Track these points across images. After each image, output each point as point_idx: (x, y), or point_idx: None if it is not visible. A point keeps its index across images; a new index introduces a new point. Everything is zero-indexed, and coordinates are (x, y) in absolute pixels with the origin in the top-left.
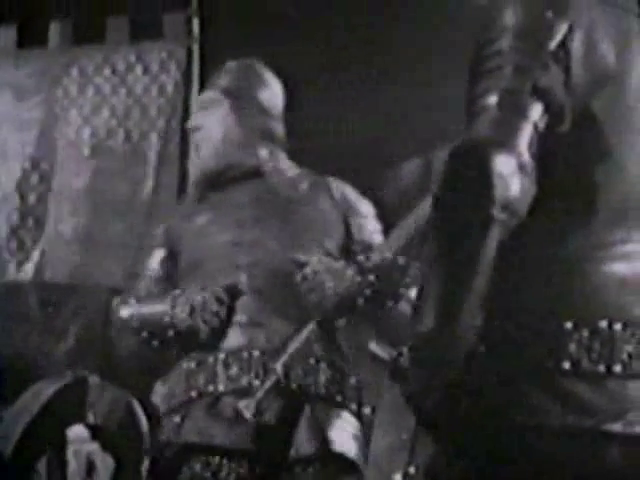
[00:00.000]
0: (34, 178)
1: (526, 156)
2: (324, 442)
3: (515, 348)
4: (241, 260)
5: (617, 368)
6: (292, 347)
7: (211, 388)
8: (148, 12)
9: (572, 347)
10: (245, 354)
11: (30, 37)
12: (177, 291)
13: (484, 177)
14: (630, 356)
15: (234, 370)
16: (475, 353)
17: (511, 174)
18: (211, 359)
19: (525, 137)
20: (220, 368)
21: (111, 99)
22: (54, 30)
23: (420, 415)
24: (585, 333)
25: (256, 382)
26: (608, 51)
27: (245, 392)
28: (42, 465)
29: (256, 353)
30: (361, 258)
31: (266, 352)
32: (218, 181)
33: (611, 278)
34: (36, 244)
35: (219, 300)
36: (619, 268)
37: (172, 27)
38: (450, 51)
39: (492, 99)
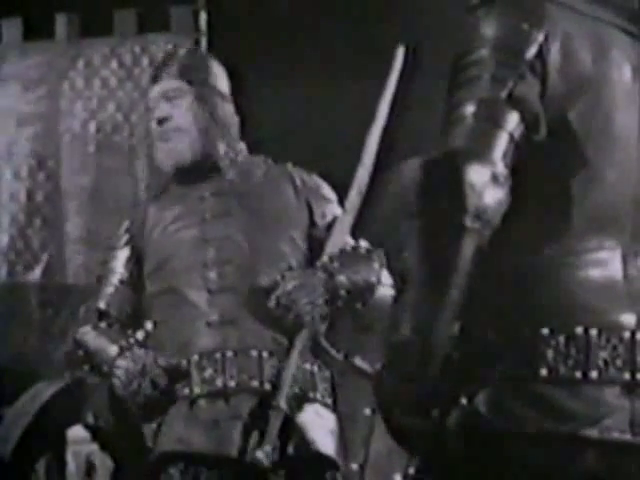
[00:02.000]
0: (41, 176)
1: (500, 166)
2: (305, 443)
3: (491, 355)
4: (210, 257)
5: (593, 374)
6: (288, 377)
7: (186, 391)
8: (155, 5)
9: (549, 353)
10: (218, 355)
11: (36, 29)
12: (125, 342)
13: (456, 187)
14: (606, 362)
15: (208, 372)
16: (451, 361)
17: (484, 184)
18: (184, 362)
19: (500, 147)
20: (194, 371)
21: (117, 92)
22: (60, 22)
23: (389, 425)
24: (561, 339)
25: (231, 383)
26: (585, 60)
27: (220, 393)
28: (41, 466)
29: (229, 354)
30: (325, 260)
31: (239, 352)
32: (186, 174)
33: (586, 284)
34: (44, 245)
35: (154, 385)
36: (594, 274)
37: (179, 20)
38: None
39: (468, 109)
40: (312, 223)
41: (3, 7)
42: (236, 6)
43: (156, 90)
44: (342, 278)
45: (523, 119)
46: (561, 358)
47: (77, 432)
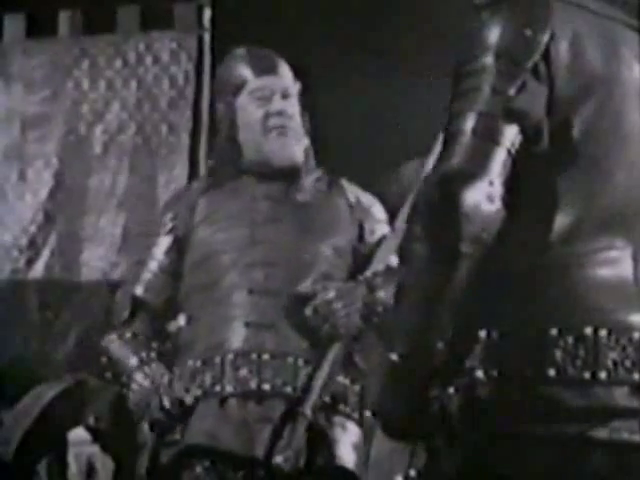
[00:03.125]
0: (46, 175)
1: (497, 184)
2: (330, 456)
3: (500, 356)
4: (257, 258)
5: (602, 375)
6: (317, 386)
7: (218, 388)
8: (159, 1)
9: (557, 354)
10: (254, 356)
11: (39, 26)
12: (145, 354)
13: (453, 213)
14: (615, 363)
15: (243, 372)
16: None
17: (480, 206)
18: (218, 359)
19: (497, 165)
20: (228, 369)
21: (122, 92)
22: (63, 19)
23: (387, 428)
24: (570, 340)
25: (265, 386)
26: (595, 59)
27: (254, 395)
28: (43, 468)
29: (266, 356)
30: (369, 275)
31: (276, 356)
32: (262, 173)
33: (595, 284)
34: (46, 241)
35: (162, 408)
36: (603, 274)
37: (183, 17)
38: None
39: (467, 124)
40: (361, 239)
41: (6, 4)
42: (240, 3)
43: (268, 82)
44: (382, 294)
45: (522, 131)
46: (570, 359)
47: (78, 434)
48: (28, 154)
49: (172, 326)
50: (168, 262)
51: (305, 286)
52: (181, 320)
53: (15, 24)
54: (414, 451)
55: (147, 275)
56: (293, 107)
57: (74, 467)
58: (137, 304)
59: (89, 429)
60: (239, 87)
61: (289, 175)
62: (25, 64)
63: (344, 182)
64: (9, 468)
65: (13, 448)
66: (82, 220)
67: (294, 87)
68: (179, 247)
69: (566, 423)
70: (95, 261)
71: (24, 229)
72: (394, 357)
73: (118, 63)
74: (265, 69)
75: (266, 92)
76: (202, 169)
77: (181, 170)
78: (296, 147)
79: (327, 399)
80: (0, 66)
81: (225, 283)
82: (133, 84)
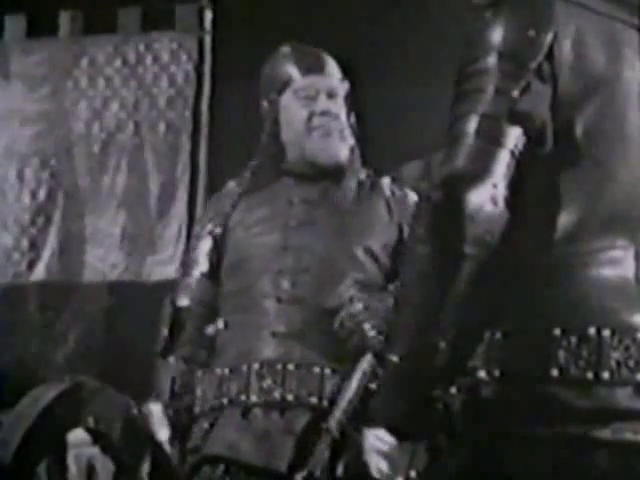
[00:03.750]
0: (44, 175)
1: (500, 187)
2: (358, 465)
3: (503, 356)
4: (286, 265)
5: (605, 375)
6: (345, 400)
7: (243, 398)
8: (160, 2)
9: (560, 354)
10: (279, 366)
11: (40, 26)
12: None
13: (457, 215)
14: (618, 363)
15: (267, 382)
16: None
17: (484, 208)
18: (245, 367)
19: (501, 167)
20: (254, 378)
21: (121, 91)
22: (64, 19)
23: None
24: (573, 340)
25: (289, 397)
26: (598, 58)
27: (277, 405)
28: (42, 469)
29: (291, 367)
30: (397, 285)
31: (302, 366)
32: (296, 172)
33: (598, 284)
34: (46, 243)
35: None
36: (606, 274)
37: (184, 18)
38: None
39: (471, 125)
40: (401, 241)
41: (7, 4)
42: (241, 4)
43: (314, 81)
44: None
45: (526, 133)
46: (573, 359)
47: (78, 435)
48: (26, 153)
49: (211, 329)
50: (209, 265)
51: (332, 298)
52: (220, 324)
53: (16, 24)
54: (415, 451)
55: (190, 280)
56: (338, 107)
57: (74, 469)
58: (183, 314)
59: (89, 430)
60: (284, 85)
61: (333, 175)
62: (25, 63)
63: (385, 181)
64: (9, 470)
65: (13, 450)
66: (81, 221)
67: (341, 86)
68: (218, 250)
69: (569, 423)
70: (95, 262)
71: (24, 231)
72: (395, 358)
73: (117, 62)
74: (311, 68)
75: (311, 91)
76: (202, 169)
77: (180, 169)
78: (340, 147)
79: (357, 407)
80: (0, 65)
81: (255, 290)
82: (132, 83)
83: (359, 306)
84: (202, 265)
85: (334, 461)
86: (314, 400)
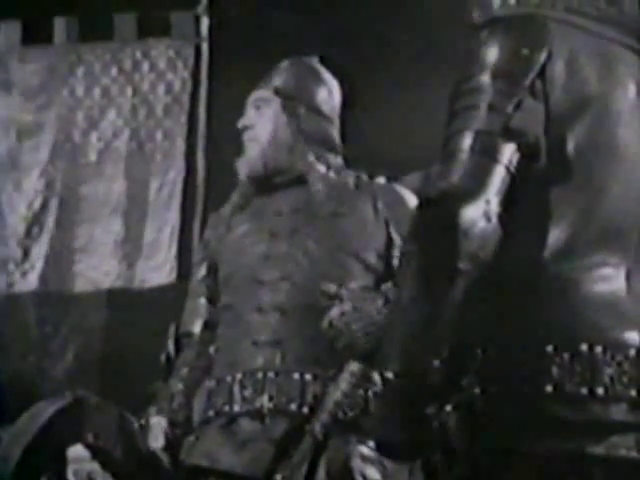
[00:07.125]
0: (39, 184)
1: (494, 202)
2: (347, 472)
3: (497, 373)
4: (267, 275)
5: (599, 391)
6: (331, 403)
7: (227, 408)
8: (156, 9)
9: (554, 370)
10: (260, 375)
11: (35, 33)
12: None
13: (451, 231)
14: (612, 379)
15: (249, 391)
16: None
17: (478, 224)
18: (229, 378)
19: (496, 182)
20: (236, 389)
21: (117, 99)
22: (59, 26)
23: (383, 447)
24: (566, 356)
25: (269, 404)
26: (590, 76)
27: (257, 414)
28: None
29: (271, 375)
30: (389, 285)
31: (281, 373)
32: (264, 186)
33: (590, 301)
34: (40, 253)
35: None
36: (598, 291)
37: (180, 25)
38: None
39: (466, 142)
40: (390, 241)
41: (2, 11)
42: (238, 11)
43: (252, 97)
44: None
45: (519, 149)
46: (567, 375)
47: (77, 451)
48: (24, 163)
49: (211, 349)
50: (206, 288)
51: (316, 301)
52: (220, 341)
53: (11, 31)
54: (412, 469)
55: (192, 305)
56: (262, 116)
57: None
58: (184, 340)
59: (88, 446)
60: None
61: (290, 181)
62: (21, 71)
63: (378, 182)
64: None
65: (13, 465)
66: (76, 230)
67: (269, 93)
68: (214, 271)
69: (564, 439)
70: (89, 271)
71: (19, 242)
72: (390, 375)
73: (114, 70)
74: (261, 83)
75: (246, 108)
76: (199, 175)
77: (176, 175)
78: (254, 156)
79: (340, 415)
80: None
81: (239, 302)
82: (129, 91)
83: (348, 306)
84: (201, 289)
85: (315, 464)
86: (293, 407)
